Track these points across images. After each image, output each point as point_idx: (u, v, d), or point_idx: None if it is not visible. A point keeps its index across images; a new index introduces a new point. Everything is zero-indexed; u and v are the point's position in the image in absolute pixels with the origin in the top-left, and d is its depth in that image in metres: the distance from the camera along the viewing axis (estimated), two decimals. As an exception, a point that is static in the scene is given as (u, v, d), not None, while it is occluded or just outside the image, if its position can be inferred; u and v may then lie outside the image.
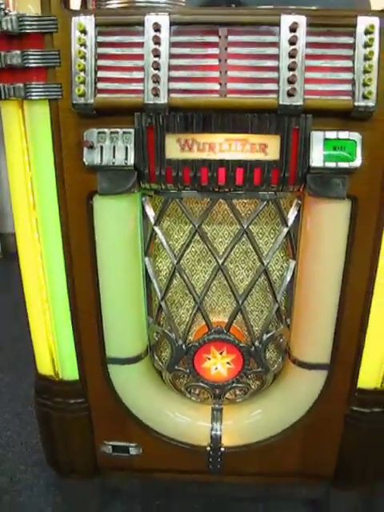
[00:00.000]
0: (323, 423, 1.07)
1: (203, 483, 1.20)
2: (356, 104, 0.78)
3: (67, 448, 1.13)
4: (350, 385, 1.02)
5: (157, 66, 0.77)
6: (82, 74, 0.78)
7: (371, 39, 0.76)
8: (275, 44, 0.77)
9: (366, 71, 0.77)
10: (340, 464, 1.11)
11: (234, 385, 1.06)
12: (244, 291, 0.99)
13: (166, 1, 0.95)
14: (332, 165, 0.82)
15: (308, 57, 0.77)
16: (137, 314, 1.00)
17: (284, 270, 0.99)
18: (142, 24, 0.77)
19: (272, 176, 0.84)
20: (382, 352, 0.99)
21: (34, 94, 0.81)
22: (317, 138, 0.81)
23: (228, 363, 1.03)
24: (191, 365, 1.03)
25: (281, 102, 0.77)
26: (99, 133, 0.82)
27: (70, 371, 1.04)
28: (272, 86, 0.78)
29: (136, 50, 0.78)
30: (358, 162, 0.82)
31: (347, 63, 0.78)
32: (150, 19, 0.77)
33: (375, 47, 0.76)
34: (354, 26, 0.76)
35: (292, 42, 0.76)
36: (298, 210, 0.92)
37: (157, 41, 0.77)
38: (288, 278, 0.97)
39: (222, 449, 1.09)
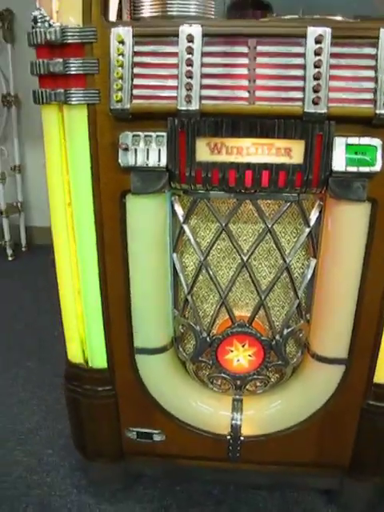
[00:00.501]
0: (340, 415, 1.11)
1: (222, 470, 1.25)
2: (377, 112, 0.82)
3: (94, 433, 1.19)
4: (367, 379, 1.06)
5: (189, 75, 0.82)
6: (119, 81, 0.84)
7: (393, 50, 0.80)
8: (301, 54, 0.81)
9: (387, 81, 0.81)
10: (355, 455, 1.15)
11: (254, 376, 1.10)
12: (266, 287, 1.03)
13: (196, 10, 1.01)
14: (353, 169, 0.86)
15: (332, 67, 0.81)
16: (164, 306, 1.05)
17: (305, 267, 1.03)
18: (176, 35, 0.82)
19: (296, 179, 0.88)
20: (399, 349, 1.03)
21: (73, 98, 0.87)
22: (339, 143, 0.85)
23: (249, 356, 1.07)
24: (214, 356, 1.08)
25: (306, 110, 0.82)
26: (134, 136, 0.88)
27: (99, 360, 1.10)
28: (298, 94, 0.82)
29: (170, 59, 0.83)
30: (378, 167, 0.86)
31: (370, 73, 0.82)
32: (183, 30, 0.82)
33: (397, 58, 0.80)
34: (377, 37, 0.80)
35: (317, 53, 0.81)
36: (320, 211, 0.96)
37: (190, 51, 0.82)
38: (309, 276, 1.01)
39: (242, 438, 1.13)
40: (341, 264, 0.97)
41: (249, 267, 1.01)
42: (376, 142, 0.85)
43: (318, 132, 0.85)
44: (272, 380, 1.14)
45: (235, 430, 1.13)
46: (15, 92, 2.80)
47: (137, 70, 0.84)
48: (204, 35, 0.82)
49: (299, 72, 0.82)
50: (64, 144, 0.92)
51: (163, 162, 0.88)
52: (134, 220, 0.95)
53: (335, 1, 1.20)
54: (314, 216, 0.97)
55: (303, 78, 0.82)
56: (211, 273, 1.02)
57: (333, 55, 0.81)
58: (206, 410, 1.14)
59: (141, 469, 1.30)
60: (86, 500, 1.30)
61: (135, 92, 0.84)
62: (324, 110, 0.82)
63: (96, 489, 1.33)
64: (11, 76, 2.75)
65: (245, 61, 0.83)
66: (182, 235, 1.01)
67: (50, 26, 0.84)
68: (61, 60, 0.85)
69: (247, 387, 1.14)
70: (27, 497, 1.30)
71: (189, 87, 0.82)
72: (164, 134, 0.87)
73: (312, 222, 0.97)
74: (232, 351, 1.07)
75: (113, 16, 0.91)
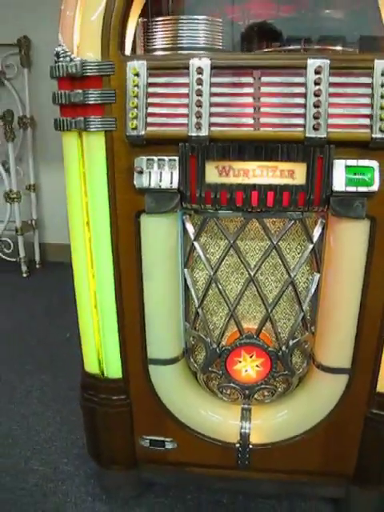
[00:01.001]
0: (344, 424, 1.15)
1: (231, 479, 1.28)
2: (373, 136, 0.88)
3: (109, 441, 1.24)
4: (370, 388, 1.10)
5: (199, 104, 0.89)
6: (135, 110, 0.91)
7: (387, 80, 0.87)
8: (302, 84, 0.88)
9: (382, 107, 0.87)
10: (359, 464, 1.18)
11: (262, 386, 1.14)
12: (273, 301, 1.08)
13: (205, 41, 1.08)
14: (352, 189, 0.92)
15: (331, 95, 0.88)
16: (176, 319, 1.11)
17: (309, 282, 1.08)
18: (187, 67, 0.89)
19: (299, 198, 0.94)
20: (400, 359, 1.07)
21: (92, 126, 0.94)
22: (339, 165, 0.92)
23: (257, 366, 1.12)
24: (223, 367, 1.12)
25: (307, 135, 0.88)
26: (148, 160, 0.94)
27: (114, 370, 1.15)
28: (299, 121, 0.89)
29: (181, 90, 0.90)
30: (375, 187, 0.91)
31: (366, 100, 0.88)
32: (193, 63, 0.89)
33: (391, 87, 0.87)
34: (372, 68, 0.87)
35: (317, 83, 0.87)
36: (322, 228, 1.01)
37: (199, 82, 0.89)
38: (313, 290, 1.06)
39: (250, 446, 1.17)
40: (343, 278, 1.02)
41: (256, 282, 1.07)
42: (373, 163, 0.91)
43: (319, 155, 0.91)
44: (279, 390, 1.18)
45: (244, 438, 1.17)
46: (31, 114, 2.90)
47: (151, 100, 0.91)
48: (212, 67, 0.89)
49: (301, 100, 0.89)
50: (83, 167, 0.99)
51: (175, 184, 0.95)
52: (148, 238, 1.01)
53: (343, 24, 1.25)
54: (316, 233, 1.02)
55: (304, 105, 0.88)
56: (220, 287, 1.08)
57: (331, 84, 0.88)
58: (216, 418, 1.19)
59: (153, 477, 1.34)
60: (99, 507, 1.34)
61: (149, 120, 0.92)
62: (324, 135, 0.88)
63: (109, 497, 1.37)
64: (27, 99, 2.86)
65: (250, 90, 0.90)
66: (193, 252, 1.07)
67: (71, 60, 0.91)
68: (81, 91, 0.92)
69: (255, 397, 1.18)
70: (44, 504, 1.35)
71: (198, 115, 0.89)
72: (176, 158, 0.94)
73: (315, 239, 1.02)
74: (240, 362, 1.12)
75: (128, 48, 0.98)
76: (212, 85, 0.90)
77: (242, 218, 1.02)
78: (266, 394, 1.18)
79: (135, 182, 0.95)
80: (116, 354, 1.14)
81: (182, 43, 1.06)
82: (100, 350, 1.15)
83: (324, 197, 0.94)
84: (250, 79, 0.89)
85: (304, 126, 0.88)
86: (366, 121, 0.88)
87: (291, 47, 1.07)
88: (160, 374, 1.15)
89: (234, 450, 1.18)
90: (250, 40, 1.25)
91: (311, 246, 1.03)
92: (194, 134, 0.90)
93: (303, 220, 1.01)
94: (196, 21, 1.06)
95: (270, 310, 1.08)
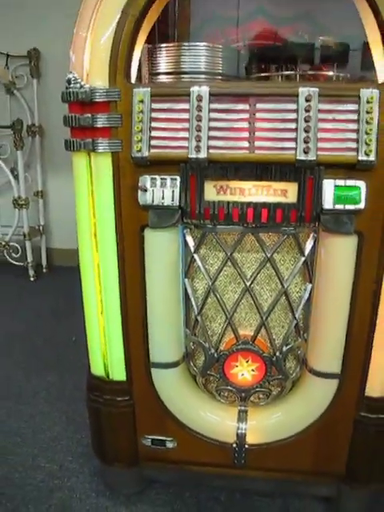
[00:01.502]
0: (334, 426, 1.20)
1: (229, 477, 1.34)
2: (359, 158, 0.94)
3: (113, 439, 1.30)
4: (359, 392, 1.15)
5: (199, 128, 0.96)
6: (139, 134, 0.98)
7: (371, 107, 0.93)
8: (294, 110, 0.95)
9: (367, 133, 0.93)
10: (349, 464, 1.24)
11: (257, 389, 1.20)
12: (267, 309, 1.14)
13: (205, 66, 1.16)
14: (341, 207, 0.98)
15: (320, 120, 0.95)
16: (176, 325, 1.17)
17: (302, 291, 1.14)
18: (187, 94, 0.96)
19: (291, 215, 1.01)
20: (387, 365, 1.13)
21: (100, 147, 1.01)
22: (328, 184, 0.98)
23: (253, 370, 1.18)
24: (221, 371, 1.18)
25: (298, 157, 0.95)
26: (151, 179, 1.01)
27: (119, 373, 1.22)
28: (291, 144, 0.95)
29: (182, 115, 0.97)
30: (362, 205, 0.98)
31: (353, 125, 0.94)
32: (193, 91, 0.96)
33: (375, 114, 0.93)
34: (358, 96, 0.94)
35: (307, 109, 0.94)
36: (314, 242, 1.07)
37: (199, 108, 0.96)
38: (305, 299, 1.12)
39: (246, 445, 1.23)
40: (333, 288, 1.08)
41: (251, 291, 1.13)
42: (360, 183, 0.97)
43: (309, 175, 0.98)
44: (273, 393, 1.23)
45: (240, 438, 1.22)
46: (39, 123, 2.99)
47: (154, 124, 0.98)
48: (211, 95, 0.96)
49: (292, 125, 0.95)
50: (91, 185, 1.06)
51: (176, 201, 1.02)
52: (151, 250, 1.08)
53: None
54: (308, 246, 1.08)
55: (296, 130, 0.95)
56: (218, 296, 1.14)
57: (321, 111, 0.94)
58: (214, 419, 1.25)
59: (154, 474, 1.39)
60: (103, 503, 1.40)
61: (153, 143, 0.99)
62: (313, 158, 0.95)
63: (112, 493, 1.43)
64: (36, 108, 2.94)
65: (246, 116, 0.96)
66: (193, 263, 1.13)
67: (81, 87, 0.99)
68: (90, 115, 0.99)
69: (251, 399, 1.24)
70: (50, 499, 1.41)
71: (198, 139, 0.96)
72: (177, 177, 1.01)
73: (307, 252, 1.08)
74: (237, 366, 1.18)
75: (134, 72, 1.04)
76: (210, 111, 0.97)
77: (238, 232, 1.08)
78: (261, 396, 1.24)
79: (139, 199, 1.02)
80: (120, 358, 1.20)
81: (184, 68, 1.14)
82: (105, 353, 1.21)
83: (315, 214, 1.00)
84: (246, 106, 0.96)
85: (295, 149, 0.95)
86: (353, 144, 0.95)
87: (287, 72, 1.13)
88: (162, 377, 1.21)
89: (231, 450, 1.24)
90: (249, 63, 1.32)
91: (303, 259, 1.09)
92: (193, 156, 0.97)
93: (296, 234, 1.07)
94: (197, 47, 1.14)
95: (264, 318, 1.14)
